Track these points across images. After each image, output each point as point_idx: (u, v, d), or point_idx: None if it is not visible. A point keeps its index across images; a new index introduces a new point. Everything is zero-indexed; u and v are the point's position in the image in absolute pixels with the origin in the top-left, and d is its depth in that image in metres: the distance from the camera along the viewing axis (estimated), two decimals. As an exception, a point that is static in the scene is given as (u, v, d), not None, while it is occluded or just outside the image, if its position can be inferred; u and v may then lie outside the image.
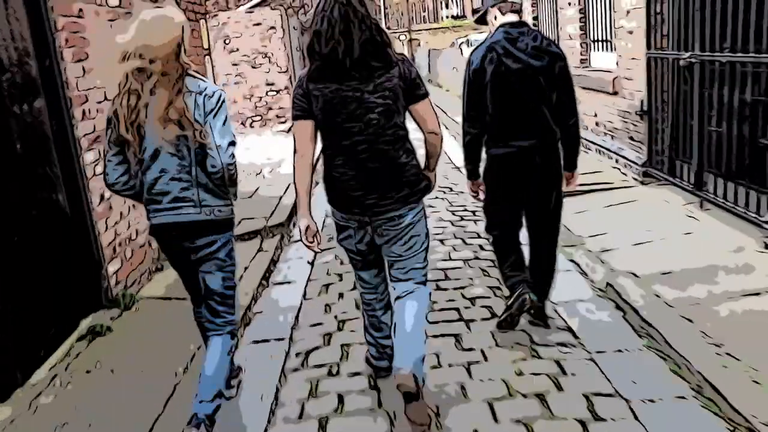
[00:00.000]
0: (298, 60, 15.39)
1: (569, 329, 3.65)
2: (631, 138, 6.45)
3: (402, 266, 2.87)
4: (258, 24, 13.32)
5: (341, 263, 5.03)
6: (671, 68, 5.52)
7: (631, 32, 6.17)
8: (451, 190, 7.12)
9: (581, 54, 7.92)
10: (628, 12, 6.17)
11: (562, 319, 3.77)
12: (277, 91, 13.63)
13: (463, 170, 3.70)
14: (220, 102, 2.64)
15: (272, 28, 13.33)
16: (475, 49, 3.37)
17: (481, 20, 3.58)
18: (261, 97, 13.61)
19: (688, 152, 5.45)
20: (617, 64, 6.64)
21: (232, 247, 2.88)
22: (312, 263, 5.16)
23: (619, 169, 6.66)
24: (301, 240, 2.88)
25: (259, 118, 13.73)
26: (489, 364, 3.31)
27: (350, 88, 2.61)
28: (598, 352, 3.34)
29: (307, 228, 2.80)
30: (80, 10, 4.21)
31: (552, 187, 3.48)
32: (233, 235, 2.91)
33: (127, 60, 2.52)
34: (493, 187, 3.52)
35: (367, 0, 2.65)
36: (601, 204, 5.83)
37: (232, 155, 2.67)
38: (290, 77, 13.83)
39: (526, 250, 3.69)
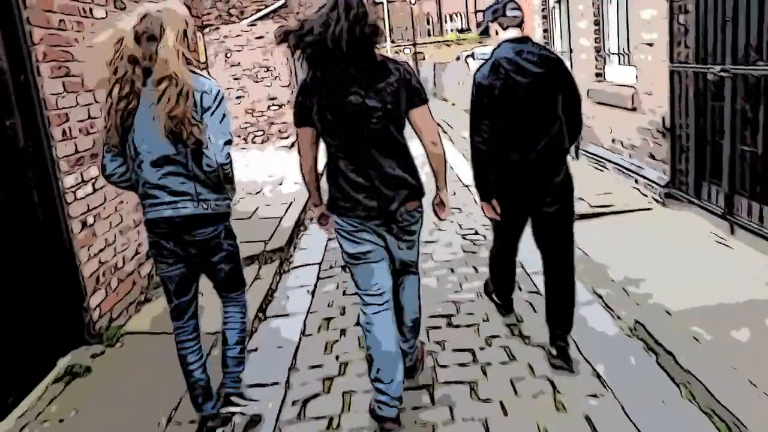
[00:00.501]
0: (302, 73, 15.09)
1: (596, 375, 3.27)
2: (652, 156, 6.08)
3: (402, 264, 3.04)
4: (260, 37, 13.04)
5: (344, 293, 4.66)
6: (698, 82, 5.17)
7: (651, 44, 5.82)
8: (461, 210, 6.75)
9: (596, 68, 7.57)
10: (648, 23, 5.82)
11: (588, 363, 3.38)
12: (280, 106, 13.32)
13: (474, 190, 3.55)
14: (218, 100, 2.62)
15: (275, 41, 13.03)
16: (480, 66, 3.33)
17: (487, 32, 3.53)
18: (263, 112, 13.30)
19: (716, 173, 5.08)
20: (636, 78, 6.28)
21: (230, 231, 2.90)
22: (312, 293, 4.80)
23: (638, 189, 6.29)
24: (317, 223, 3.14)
25: (261, 133, 13.41)
26: (510, 420, 2.93)
27: (350, 93, 2.61)
28: (632, 404, 2.95)
29: (321, 215, 3.08)
30: (61, 21, 3.88)
31: (565, 198, 3.43)
32: (230, 224, 2.91)
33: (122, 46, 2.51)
34: (502, 197, 3.41)
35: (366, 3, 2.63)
36: (622, 227, 5.47)
37: (228, 155, 2.63)
38: (292, 92, 13.53)
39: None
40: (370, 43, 2.59)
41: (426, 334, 3.83)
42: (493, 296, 4.17)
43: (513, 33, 3.31)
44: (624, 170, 6.74)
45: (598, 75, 7.57)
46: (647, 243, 5.00)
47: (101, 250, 4.22)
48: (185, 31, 2.62)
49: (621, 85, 6.85)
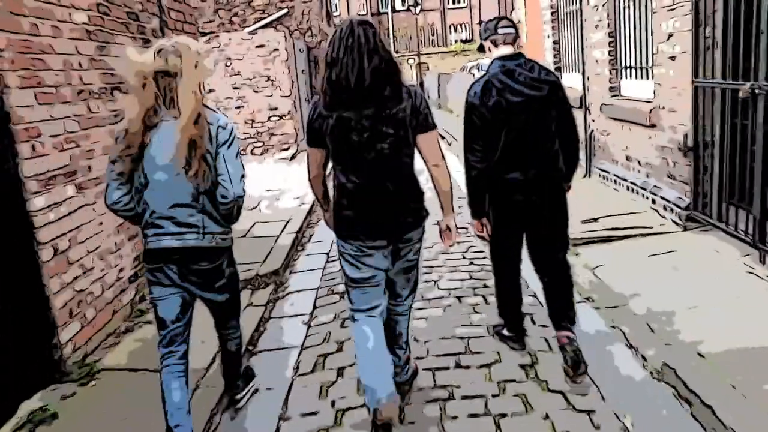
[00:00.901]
0: (304, 84, 14.78)
1: (624, 428, 2.89)
2: (671, 177, 5.71)
3: (403, 292, 3.07)
4: (261, 46, 12.71)
5: (342, 325, 4.28)
6: (724, 99, 4.80)
7: (673, 58, 5.47)
8: (467, 230, 6.36)
9: (610, 81, 7.20)
10: (669, 36, 5.47)
11: (615, 415, 3.00)
12: (280, 117, 12.98)
13: (468, 209, 3.52)
14: (232, 135, 2.68)
15: (276, 50, 12.72)
16: (474, 83, 3.32)
17: (483, 49, 3.54)
18: (263, 123, 12.96)
19: (745, 196, 4.70)
20: (655, 93, 5.91)
21: (232, 259, 2.97)
22: (308, 324, 4.42)
23: (657, 210, 5.91)
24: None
25: (260, 144, 13.06)
26: (529, 489, 2.54)
27: (363, 117, 2.65)
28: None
29: (330, 218, 3.04)
30: (34, 26, 3.54)
31: (557, 218, 3.44)
32: (232, 256, 2.98)
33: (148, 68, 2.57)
34: (496, 220, 3.45)
35: (382, 34, 2.74)
36: (641, 253, 5.07)
37: (243, 188, 2.70)
38: (294, 102, 13.19)
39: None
40: (392, 77, 2.68)
41: (432, 377, 3.46)
42: (504, 332, 3.81)
43: (505, 50, 3.29)
44: (640, 190, 6.37)
45: (612, 89, 7.21)
46: (670, 271, 4.61)
47: (76, 278, 3.86)
48: (198, 65, 2.65)
49: (638, 101, 6.48)
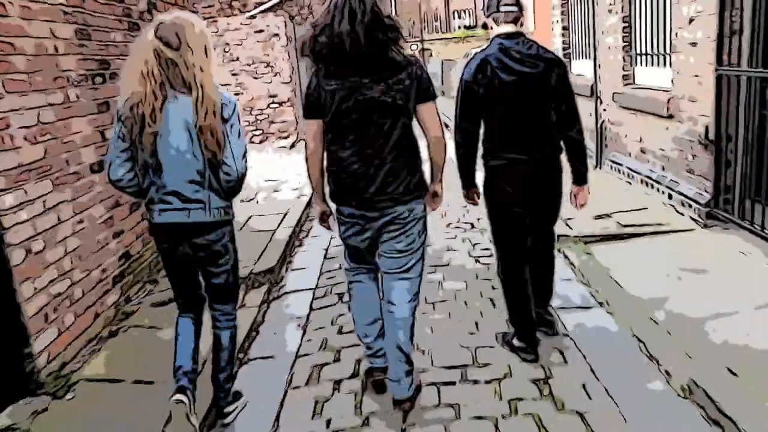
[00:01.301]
0: (305, 71, 14.41)
1: (651, 457, 2.61)
2: (690, 171, 5.39)
3: (398, 263, 2.96)
4: (260, 31, 12.36)
5: (340, 331, 3.99)
6: (751, 89, 4.47)
7: (694, 44, 5.12)
8: (473, 227, 6.06)
9: (623, 69, 6.86)
10: (691, 20, 5.12)
11: (640, 439, 2.72)
12: (280, 104, 12.64)
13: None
14: (236, 111, 2.69)
15: (276, 35, 12.35)
16: (470, 60, 3.26)
17: (486, 26, 3.47)
18: (262, 110, 12.62)
19: (771, 193, 4.40)
20: (673, 81, 5.57)
21: (232, 237, 2.93)
22: (304, 328, 4.13)
23: (673, 206, 5.60)
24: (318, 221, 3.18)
25: (259, 132, 12.74)
26: None
27: (362, 86, 2.65)
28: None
29: (322, 213, 3.11)
30: (0, 5, 3.23)
31: (548, 202, 3.41)
32: (233, 231, 2.94)
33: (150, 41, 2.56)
34: (492, 201, 3.41)
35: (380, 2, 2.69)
36: (659, 252, 4.77)
37: (246, 165, 2.72)
38: (293, 89, 12.84)
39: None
40: (387, 44, 2.66)
41: (437, 393, 3.17)
42: (514, 341, 3.52)
43: (506, 29, 3.22)
44: (655, 183, 6.05)
45: (626, 77, 6.86)
46: (691, 273, 4.31)
47: (52, 281, 3.57)
48: (204, 41, 2.65)
49: (654, 89, 6.14)
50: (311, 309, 4.44)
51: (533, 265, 3.50)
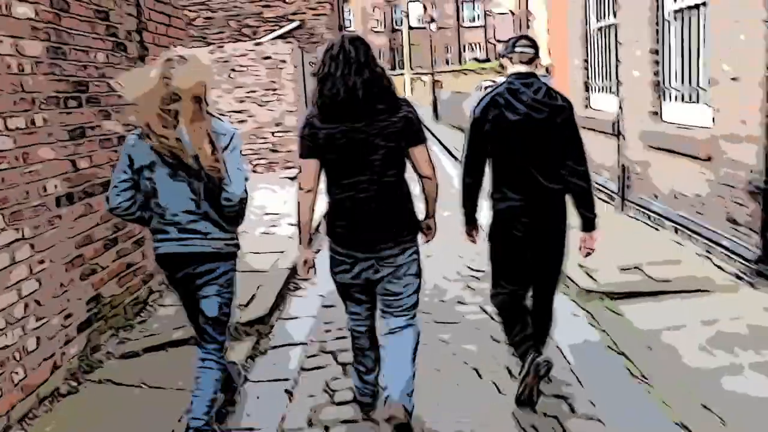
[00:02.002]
0: (311, 98, 14.03)
1: None
2: (732, 221, 4.83)
3: (394, 304, 2.97)
4: (267, 57, 11.99)
5: (331, 400, 3.42)
6: (808, 132, 3.95)
7: (735, 79, 4.62)
8: (478, 279, 5.48)
9: (651, 105, 6.35)
10: (734, 52, 4.62)
11: None
12: (286, 132, 12.21)
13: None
14: (234, 139, 2.79)
15: (283, 62, 11.99)
16: (482, 98, 3.30)
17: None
18: (266, 138, 12.20)
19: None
20: (713, 120, 5.05)
21: (232, 276, 2.99)
22: (291, 393, 3.56)
23: (711, 259, 5.03)
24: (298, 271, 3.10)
25: (264, 161, 12.30)
26: None
27: (356, 130, 2.72)
28: None
29: (305, 261, 3.02)
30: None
31: (548, 249, 3.33)
32: (235, 265, 3.00)
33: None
34: (494, 244, 3.39)
35: (372, 47, 2.80)
36: (701, 315, 4.16)
37: (246, 189, 2.78)
38: (299, 118, 12.43)
39: None
40: (382, 90, 2.75)
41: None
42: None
43: (521, 68, 3.25)
44: (690, 233, 5.49)
45: (653, 114, 6.35)
46: (743, 343, 3.73)
47: (0, 331, 3.05)
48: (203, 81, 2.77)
49: (687, 127, 5.62)
50: (301, 369, 3.87)
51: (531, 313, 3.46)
